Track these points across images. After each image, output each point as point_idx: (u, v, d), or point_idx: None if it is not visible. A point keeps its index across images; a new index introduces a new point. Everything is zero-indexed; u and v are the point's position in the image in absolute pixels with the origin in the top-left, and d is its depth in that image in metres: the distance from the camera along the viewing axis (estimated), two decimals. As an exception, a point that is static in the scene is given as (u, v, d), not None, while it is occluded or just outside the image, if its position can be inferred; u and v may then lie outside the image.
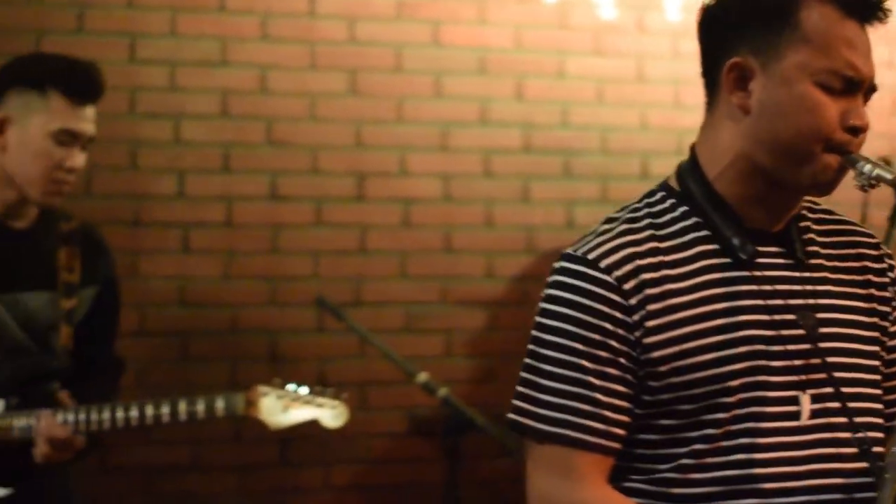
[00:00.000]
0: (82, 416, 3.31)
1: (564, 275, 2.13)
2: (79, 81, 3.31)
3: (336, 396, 3.49)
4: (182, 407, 3.37)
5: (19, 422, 3.30)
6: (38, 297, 3.38)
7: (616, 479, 2.13)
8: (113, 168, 4.69)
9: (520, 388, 2.14)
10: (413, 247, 5.03)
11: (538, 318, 2.14)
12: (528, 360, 2.14)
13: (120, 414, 3.34)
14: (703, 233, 2.14)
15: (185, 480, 4.77)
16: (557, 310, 2.11)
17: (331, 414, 3.47)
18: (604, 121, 5.27)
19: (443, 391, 4.17)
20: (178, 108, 4.78)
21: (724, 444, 2.07)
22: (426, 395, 4.26)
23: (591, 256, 2.11)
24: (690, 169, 2.18)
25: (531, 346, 2.14)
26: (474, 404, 4.49)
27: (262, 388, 3.44)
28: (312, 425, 3.55)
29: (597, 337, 2.08)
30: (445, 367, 4.97)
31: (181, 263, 4.77)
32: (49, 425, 3.26)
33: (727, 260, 2.12)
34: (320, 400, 3.47)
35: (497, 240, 5.14)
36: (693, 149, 2.20)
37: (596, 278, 2.09)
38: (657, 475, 2.11)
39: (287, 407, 3.43)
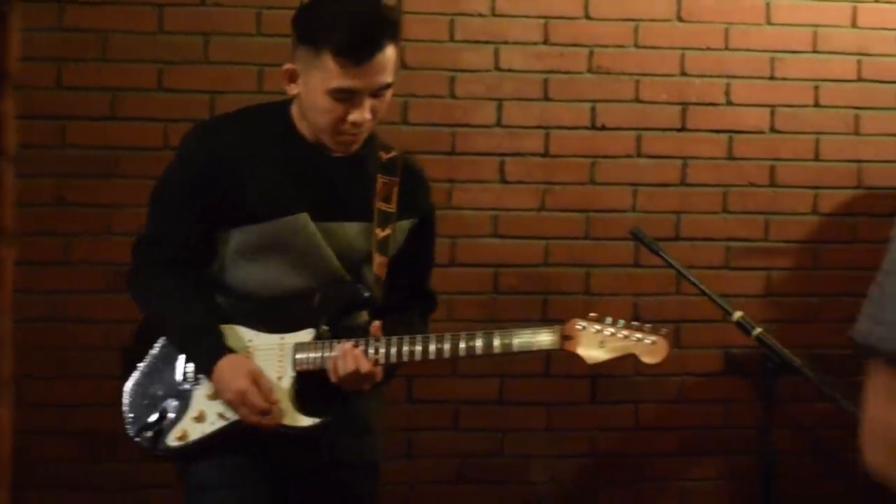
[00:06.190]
0: (393, 349, 3.26)
1: None
2: (351, 43, 3.10)
3: (655, 332, 3.32)
4: (497, 340, 3.27)
5: (329, 352, 3.27)
6: (354, 227, 3.33)
7: None
8: (431, 96, 4.64)
9: (865, 306, 1.95)
10: (736, 180, 4.84)
11: None
12: (881, 276, 1.95)
13: (433, 347, 3.26)
14: None
15: (492, 414, 4.75)
16: None
17: (649, 349, 3.30)
18: (944, 48, 4.97)
19: (757, 330, 3.99)
20: (498, 35, 4.69)
21: None
22: (742, 334, 4.11)
23: None
24: None
25: (887, 264, 1.94)
26: (794, 345, 4.30)
27: (579, 322, 3.29)
28: (626, 362, 3.39)
29: None
30: (765, 306, 4.81)
31: (496, 194, 4.72)
32: (355, 358, 3.23)
33: None
34: (638, 335, 3.30)
35: (824, 173, 4.92)
36: None
37: None
38: None
39: (604, 342, 3.28)
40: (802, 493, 4.83)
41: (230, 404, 3.23)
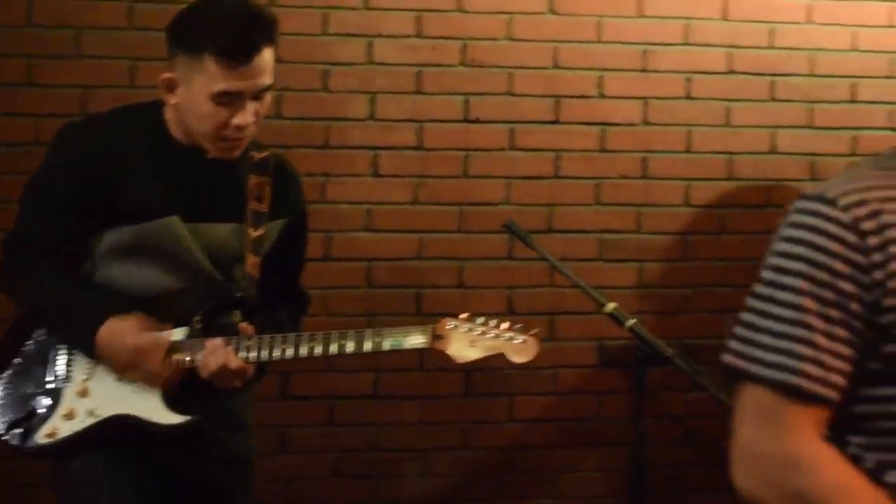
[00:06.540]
0: (264, 348, 3.26)
1: (798, 213, 1.96)
2: (231, 44, 3.14)
3: (525, 331, 3.35)
4: (368, 341, 3.29)
5: (200, 349, 3.26)
6: (226, 228, 3.35)
7: (833, 437, 1.97)
8: (304, 90, 4.62)
9: (738, 330, 1.98)
10: (608, 173, 4.87)
11: (771, 260, 1.97)
12: (753, 302, 1.98)
13: (304, 346, 3.28)
14: None
15: (366, 409, 4.75)
16: (787, 249, 1.95)
17: (518, 348, 3.34)
18: (812, 41, 5.01)
19: (630, 321, 4.04)
20: (371, 28, 4.68)
21: None
22: (615, 325, 4.15)
23: (829, 195, 1.94)
24: None
25: (760, 289, 1.97)
26: (666, 336, 4.35)
27: (450, 322, 3.33)
28: (499, 358, 3.42)
29: (824, 277, 1.92)
30: (638, 298, 4.85)
31: (370, 187, 4.70)
32: (225, 354, 3.22)
33: None
34: (508, 334, 3.34)
35: (696, 165, 4.96)
36: None
37: (830, 216, 1.93)
38: (881, 439, 1.95)
39: (474, 341, 3.32)
40: (675, 482, 4.89)
41: (130, 367, 3.23)
